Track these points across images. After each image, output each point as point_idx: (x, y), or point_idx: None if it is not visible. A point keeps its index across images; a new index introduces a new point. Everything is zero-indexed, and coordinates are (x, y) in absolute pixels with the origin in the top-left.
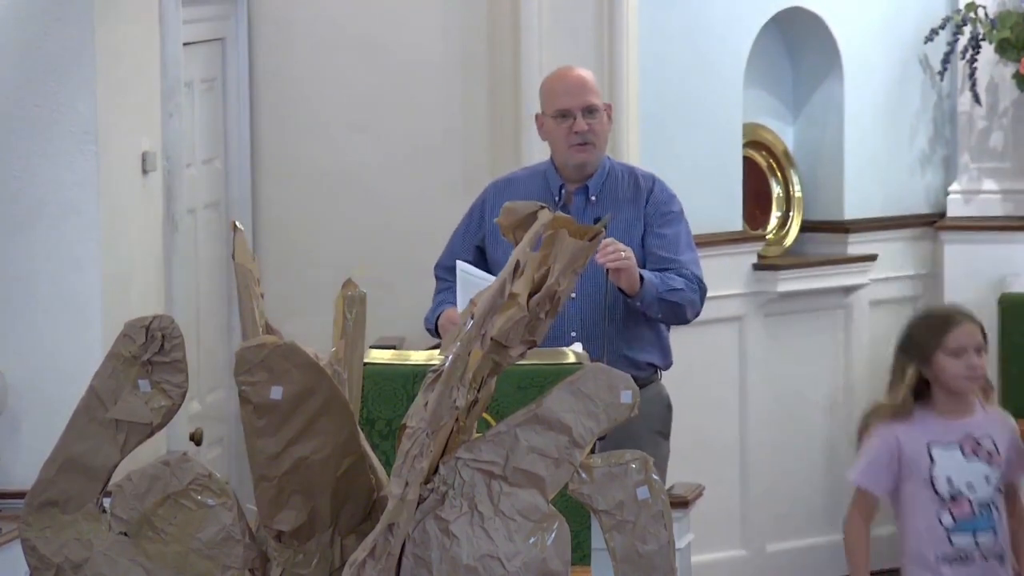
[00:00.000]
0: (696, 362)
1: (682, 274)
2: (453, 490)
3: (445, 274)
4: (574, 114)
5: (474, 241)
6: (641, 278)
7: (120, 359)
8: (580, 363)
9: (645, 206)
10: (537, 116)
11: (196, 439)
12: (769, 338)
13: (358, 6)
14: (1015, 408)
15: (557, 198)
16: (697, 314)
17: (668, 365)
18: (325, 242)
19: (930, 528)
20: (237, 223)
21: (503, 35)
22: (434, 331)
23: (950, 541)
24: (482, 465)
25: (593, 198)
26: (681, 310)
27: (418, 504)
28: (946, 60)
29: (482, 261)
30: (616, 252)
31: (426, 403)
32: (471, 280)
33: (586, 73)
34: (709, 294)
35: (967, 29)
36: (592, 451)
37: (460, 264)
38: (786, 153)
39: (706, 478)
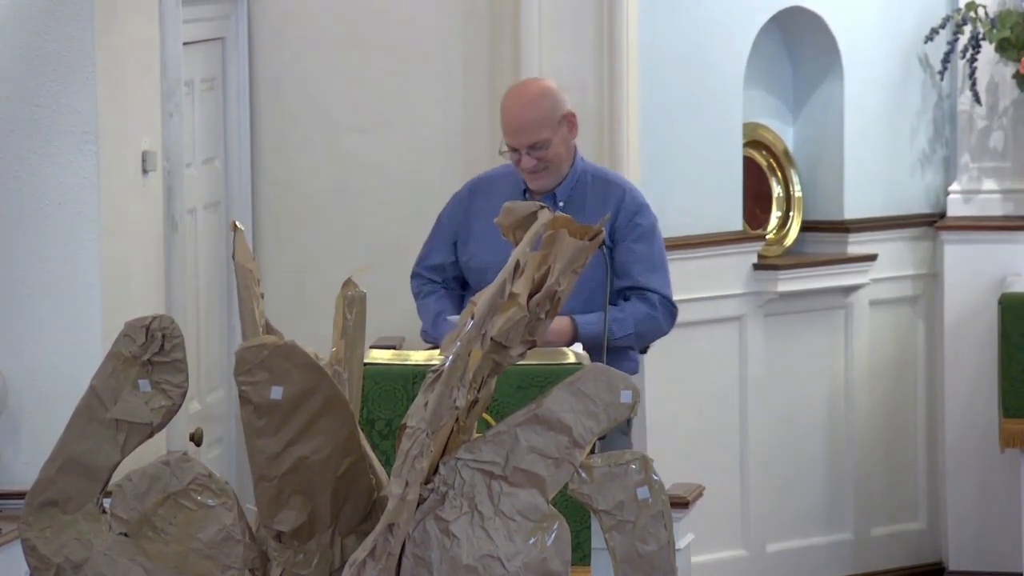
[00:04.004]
0: (696, 362)
1: (648, 299)
2: (453, 490)
3: (432, 274)
4: (519, 151)
5: (457, 233)
6: (577, 328)
7: (120, 359)
8: (580, 363)
9: (615, 218)
10: None
11: (196, 439)
12: (769, 338)
13: (358, 6)
14: (1015, 408)
15: (526, 195)
16: (663, 334)
17: (634, 370)
18: (325, 242)
19: None
20: (237, 223)
21: (504, 36)
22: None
23: None
24: (482, 465)
25: (561, 204)
26: (631, 349)
27: (418, 504)
28: (946, 60)
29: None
30: None
31: (426, 403)
32: None
33: (530, 107)
34: (709, 294)
35: (967, 29)
36: (592, 451)
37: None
38: (786, 153)
39: (706, 478)
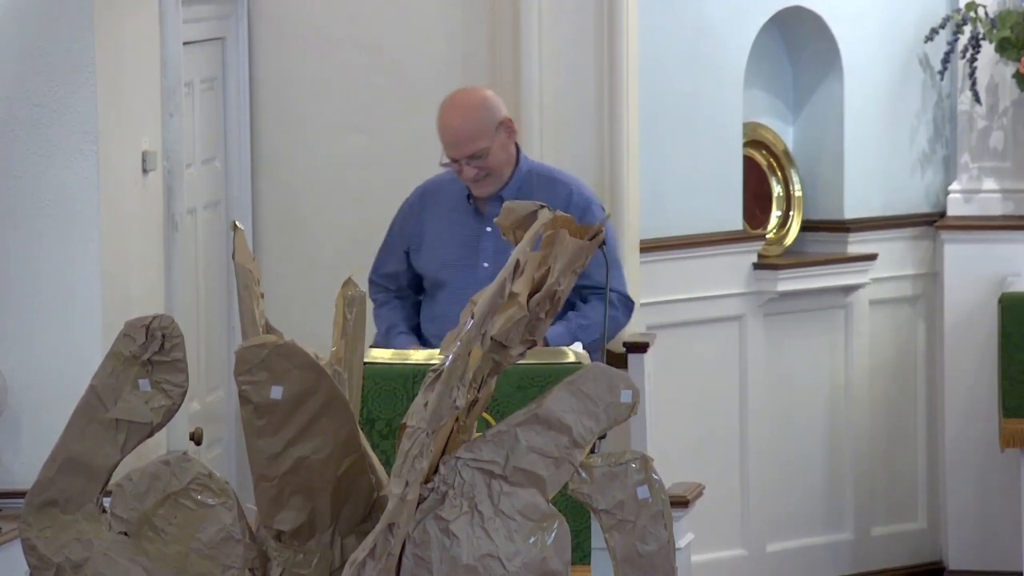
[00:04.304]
0: (696, 362)
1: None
2: (453, 490)
3: (386, 282)
4: (459, 162)
5: (409, 241)
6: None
7: (120, 358)
8: (580, 363)
9: None
10: None
11: (196, 439)
12: (769, 338)
13: (358, 6)
14: (1015, 408)
15: (469, 200)
16: (621, 327)
17: None
18: (325, 242)
19: None
20: (237, 223)
21: (503, 36)
22: None
23: None
24: (482, 465)
25: None
26: (594, 343)
27: (418, 504)
28: (946, 60)
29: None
30: None
31: (426, 403)
32: None
33: (466, 119)
34: (709, 294)
35: (967, 29)
36: (592, 451)
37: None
38: (786, 153)
39: (706, 478)
